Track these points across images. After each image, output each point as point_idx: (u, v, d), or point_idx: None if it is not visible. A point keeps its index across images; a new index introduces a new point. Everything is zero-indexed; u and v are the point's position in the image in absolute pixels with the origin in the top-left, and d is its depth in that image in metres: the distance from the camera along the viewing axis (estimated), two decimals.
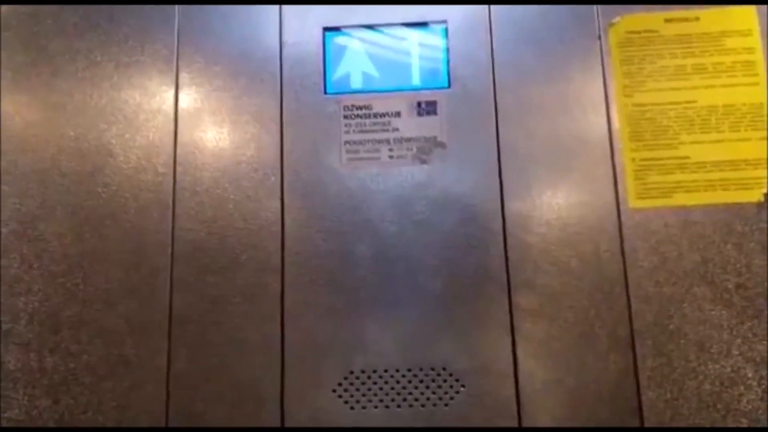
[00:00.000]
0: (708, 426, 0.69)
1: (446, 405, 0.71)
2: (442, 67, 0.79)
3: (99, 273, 0.75)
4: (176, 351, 0.73)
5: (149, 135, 0.79)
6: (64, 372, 0.73)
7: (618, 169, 0.75)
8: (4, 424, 0.72)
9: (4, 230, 0.76)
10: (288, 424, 0.71)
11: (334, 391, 0.72)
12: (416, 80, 0.79)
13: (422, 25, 0.80)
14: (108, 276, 0.75)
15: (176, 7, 0.81)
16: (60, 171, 0.78)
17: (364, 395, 0.72)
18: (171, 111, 0.79)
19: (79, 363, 0.73)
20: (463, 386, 0.72)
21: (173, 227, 0.76)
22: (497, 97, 0.77)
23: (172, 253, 0.75)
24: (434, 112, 0.77)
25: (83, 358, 0.73)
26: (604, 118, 0.76)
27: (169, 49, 0.80)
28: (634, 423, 0.70)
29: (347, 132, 0.78)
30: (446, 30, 0.79)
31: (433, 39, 0.80)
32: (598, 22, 0.78)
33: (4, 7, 0.81)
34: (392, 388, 0.72)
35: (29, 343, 0.74)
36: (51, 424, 0.72)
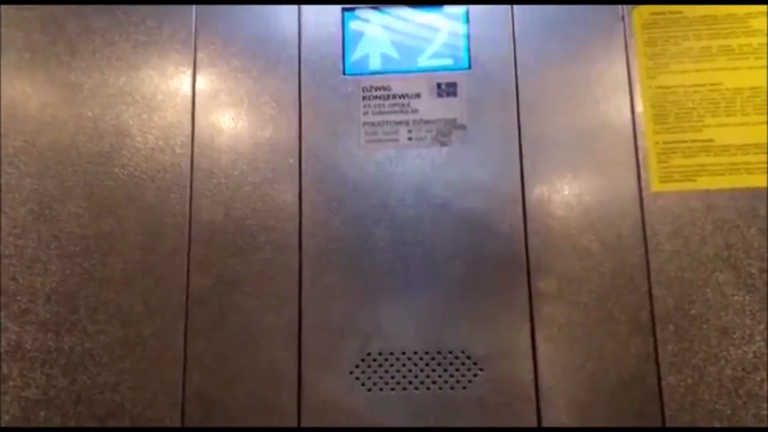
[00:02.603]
0: (729, 412, 0.68)
1: (464, 388, 0.71)
2: (463, 48, 0.78)
3: (116, 254, 0.75)
4: (193, 332, 0.73)
5: (167, 116, 0.78)
6: (82, 352, 0.73)
7: (641, 153, 0.74)
8: (22, 403, 0.72)
9: (21, 210, 0.76)
10: (305, 406, 0.71)
11: (351, 373, 0.72)
12: (436, 61, 0.78)
13: (443, 5, 0.79)
14: (125, 257, 0.75)
15: None
16: (77, 151, 0.77)
17: (381, 377, 0.72)
18: (189, 92, 0.79)
19: (96, 343, 0.73)
20: (481, 369, 0.71)
21: (191, 208, 0.76)
22: (518, 79, 0.77)
23: (190, 234, 0.75)
24: (454, 94, 0.77)
25: (100, 338, 0.73)
26: (628, 101, 0.75)
27: (186, 30, 0.80)
28: (655, 408, 0.69)
29: (366, 113, 0.77)
30: (467, 11, 0.79)
31: (454, 20, 0.79)
32: (622, 3, 0.77)
33: None
34: (410, 371, 0.72)
35: (46, 323, 0.74)
36: (68, 404, 0.72)
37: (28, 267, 0.75)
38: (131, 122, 0.78)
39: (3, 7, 0.80)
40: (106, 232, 0.75)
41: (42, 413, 0.72)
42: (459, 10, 0.79)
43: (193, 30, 0.80)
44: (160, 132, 0.78)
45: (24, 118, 0.78)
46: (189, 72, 0.79)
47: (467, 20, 0.78)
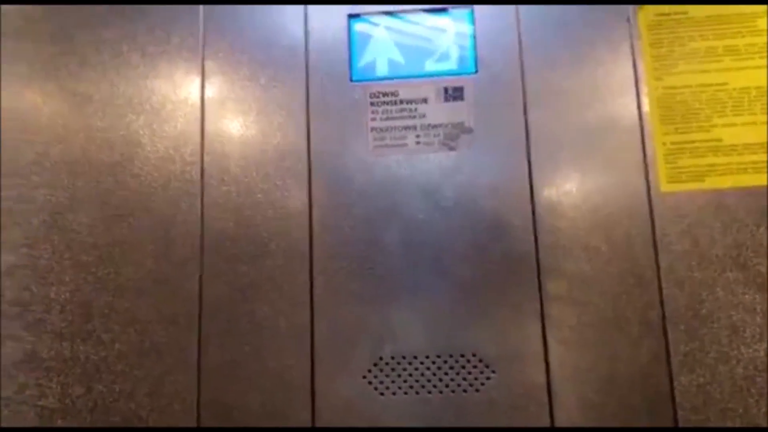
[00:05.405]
0: (741, 411, 0.68)
1: (477, 391, 0.71)
2: (469, 52, 0.78)
3: (129, 263, 0.76)
4: (207, 339, 0.74)
5: (176, 125, 0.79)
6: (97, 360, 0.74)
7: (648, 153, 0.74)
8: (39, 412, 0.73)
9: (34, 221, 0.77)
10: (318, 411, 0.71)
11: (364, 377, 0.72)
12: (443, 66, 0.78)
13: (448, 10, 0.79)
14: (138, 265, 0.75)
15: None
16: (89, 161, 0.78)
17: (393, 381, 0.72)
18: (197, 100, 0.79)
19: (111, 352, 0.74)
20: (493, 372, 0.72)
21: (202, 216, 0.76)
22: (525, 82, 0.77)
23: (201, 242, 0.76)
24: (461, 98, 0.77)
25: (115, 346, 0.74)
26: (634, 102, 0.75)
27: (194, 39, 0.81)
28: (667, 408, 0.69)
29: (374, 119, 0.77)
30: (473, 14, 0.79)
31: (460, 24, 0.79)
32: (627, 3, 0.77)
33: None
34: (422, 375, 0.72)
35: (62, 332, 0.74)
36: (84, 413, 0.73)
37: (42, 277, 0.76)
38: (141, 132, 0.79)
39: (14, 19, 0.81)
40: (118, 241, 0.76)
41: (59, 422, 0.73)
42: (464, 12, 0.79)
43: (201, 38, 0.80)
44: (170, 141, 0.78)
45: (36, 129, 0.79)
46: (198, 80, 0.80)
47: (473, 23, 0.79)
